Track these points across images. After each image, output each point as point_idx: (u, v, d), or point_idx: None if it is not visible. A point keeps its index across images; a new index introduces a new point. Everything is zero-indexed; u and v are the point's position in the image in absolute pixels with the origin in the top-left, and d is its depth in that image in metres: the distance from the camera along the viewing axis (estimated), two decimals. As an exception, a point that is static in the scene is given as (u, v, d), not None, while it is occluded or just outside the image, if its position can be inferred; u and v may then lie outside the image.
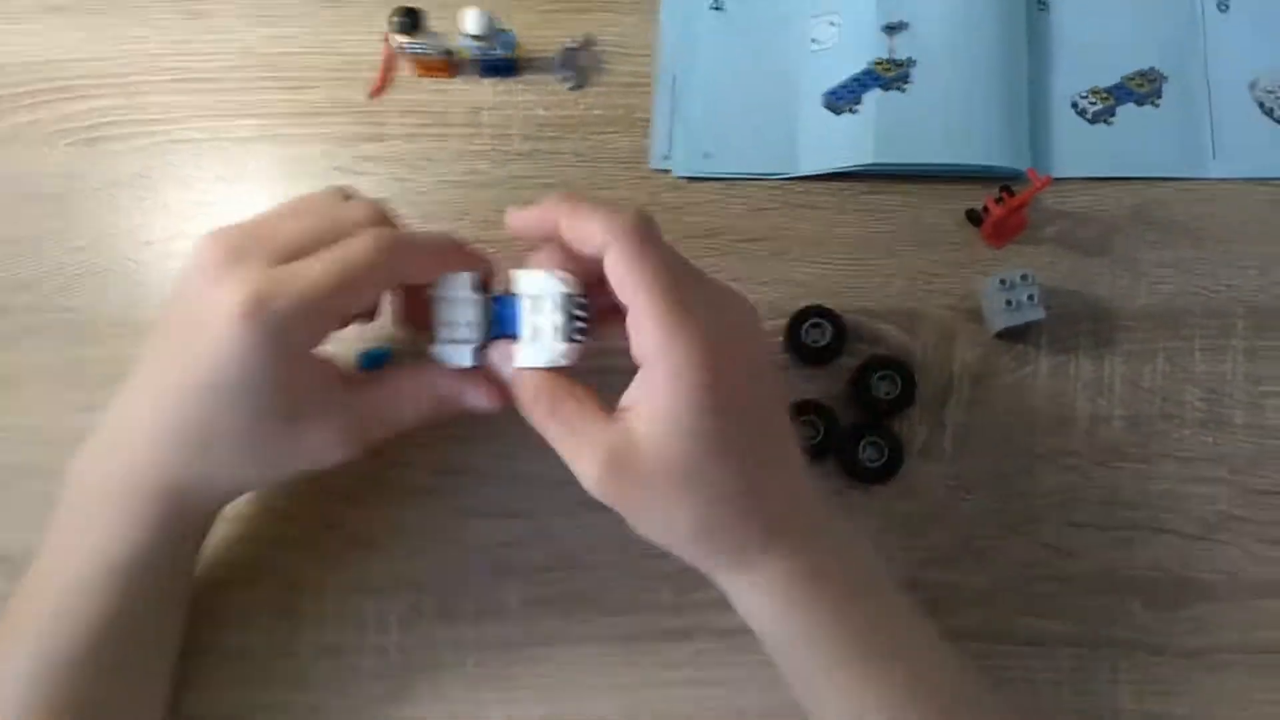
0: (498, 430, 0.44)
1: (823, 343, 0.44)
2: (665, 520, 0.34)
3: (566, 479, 0.43)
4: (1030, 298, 0.44)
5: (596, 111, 0.49)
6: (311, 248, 0.34)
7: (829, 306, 0.45)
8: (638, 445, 0.32)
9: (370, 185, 0.47)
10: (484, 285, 0.37)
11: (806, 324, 0.44)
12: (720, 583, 0.36)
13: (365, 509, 0.44)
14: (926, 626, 0.36)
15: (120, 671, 0.36)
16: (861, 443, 0.43)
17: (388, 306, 0.40)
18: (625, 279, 0.32)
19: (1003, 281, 0.44)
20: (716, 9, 0.50)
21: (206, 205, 0.48)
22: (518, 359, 0.35)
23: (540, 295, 0.35)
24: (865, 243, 0.47)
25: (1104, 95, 0.49)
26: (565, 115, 0.49)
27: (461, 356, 0.36)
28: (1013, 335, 0.46)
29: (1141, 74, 0.50)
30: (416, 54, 0.48)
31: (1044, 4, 0.51)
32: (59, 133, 0.48)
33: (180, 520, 0.37)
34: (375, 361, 0.43)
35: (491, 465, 0.44)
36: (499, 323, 0.36)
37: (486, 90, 0.49)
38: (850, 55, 0.48)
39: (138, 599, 0.36)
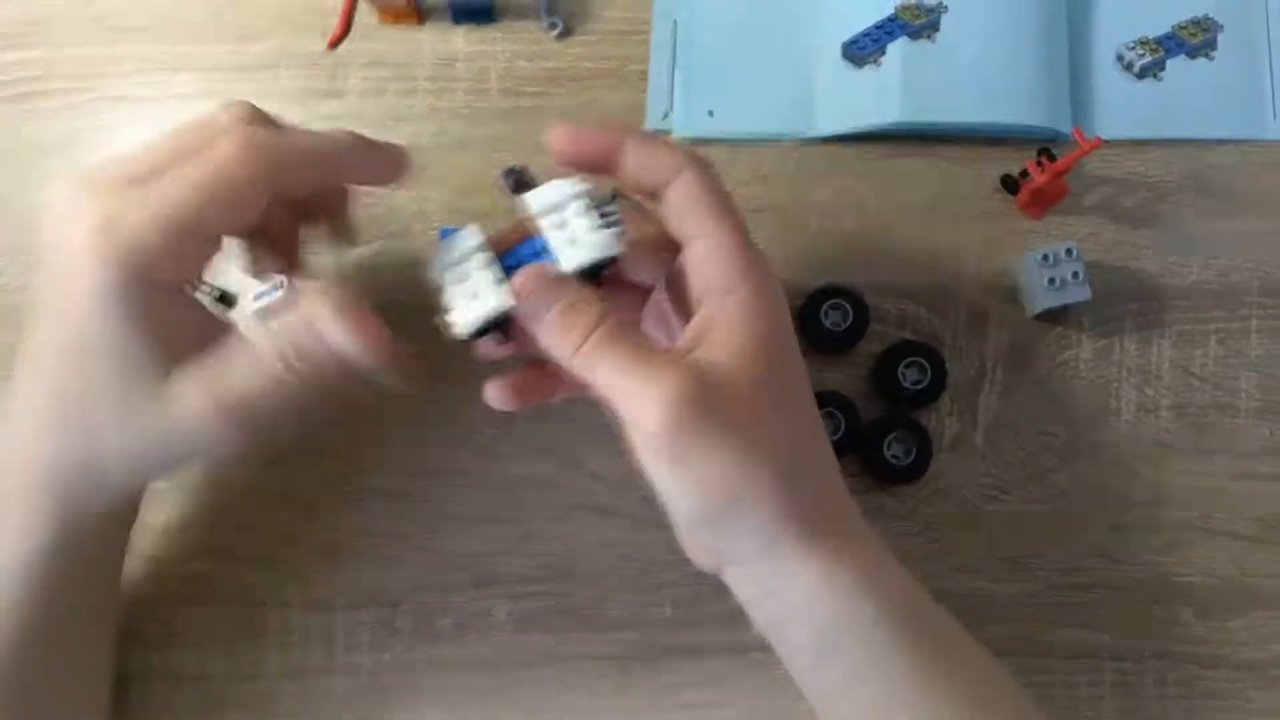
0: (478, 427, 0.40)
1: (843, 326, 0.40)
2: (752, 463, 0.29)
3: (555, 481, 0.40)
4: (1075, 275, 0.40)
5: (586, 63, 0.44)
6: (173, 164, 0.29)
7: (849, 285, 0.41)
8: (714, 377, 0.29)
9: (331, 148, 0.43)
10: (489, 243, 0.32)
11: (825, 305, 0.40)
12: (780, 561, 0.31)
13: (332, 516, 0.40)
14: (973, 640, 0.34)
15: (39, 696, 0.32)
16: (886, 438, 0.40)
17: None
18: (700, 205, 0.31)
19: (1045, 258, 0.40)
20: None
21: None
22: (566, 265, 0.30)
23: (559, 204, 0.31)
24: (889, 214, 0.43)
25: (1152, 46, 0.45)
26: (550, 67, 0.44)
27: (487, 304, 0.31)
28: (1052, 317, 0.42)
29: (1195, 22, 0.45)
30: (381, -3, 0.43)
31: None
32: (-23, 88, 0.43)
33: (75, 517, 0.31)
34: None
35: (473, 465, 0.40)
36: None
37: (459, 38, 0.44)
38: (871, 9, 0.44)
39: (40, 616, 0.32)
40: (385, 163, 0.33)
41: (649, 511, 0.40)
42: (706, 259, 0.30)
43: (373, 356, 0.30)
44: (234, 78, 0.44)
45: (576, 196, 0.31)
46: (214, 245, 0.31)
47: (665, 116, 0.44)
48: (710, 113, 0.44)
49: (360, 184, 0.34)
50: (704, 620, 0.40)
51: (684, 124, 0.44)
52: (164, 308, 0.29)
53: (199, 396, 0.29)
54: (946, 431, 0.41)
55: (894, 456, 0.40)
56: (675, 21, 0.45)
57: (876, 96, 0.43)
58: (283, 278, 0.31)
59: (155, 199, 0.28)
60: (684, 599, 0.40)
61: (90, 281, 0.28)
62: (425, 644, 0.39)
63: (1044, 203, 0.43)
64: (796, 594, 0.31)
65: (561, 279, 0.30)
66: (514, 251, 0.31)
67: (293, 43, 0.44)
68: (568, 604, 0.40)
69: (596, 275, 0.31)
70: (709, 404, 0.28)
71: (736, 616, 0.39)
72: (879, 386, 0.41)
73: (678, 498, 0.30)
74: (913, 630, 0.31)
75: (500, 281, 0.31)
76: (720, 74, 0.44)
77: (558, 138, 0.31)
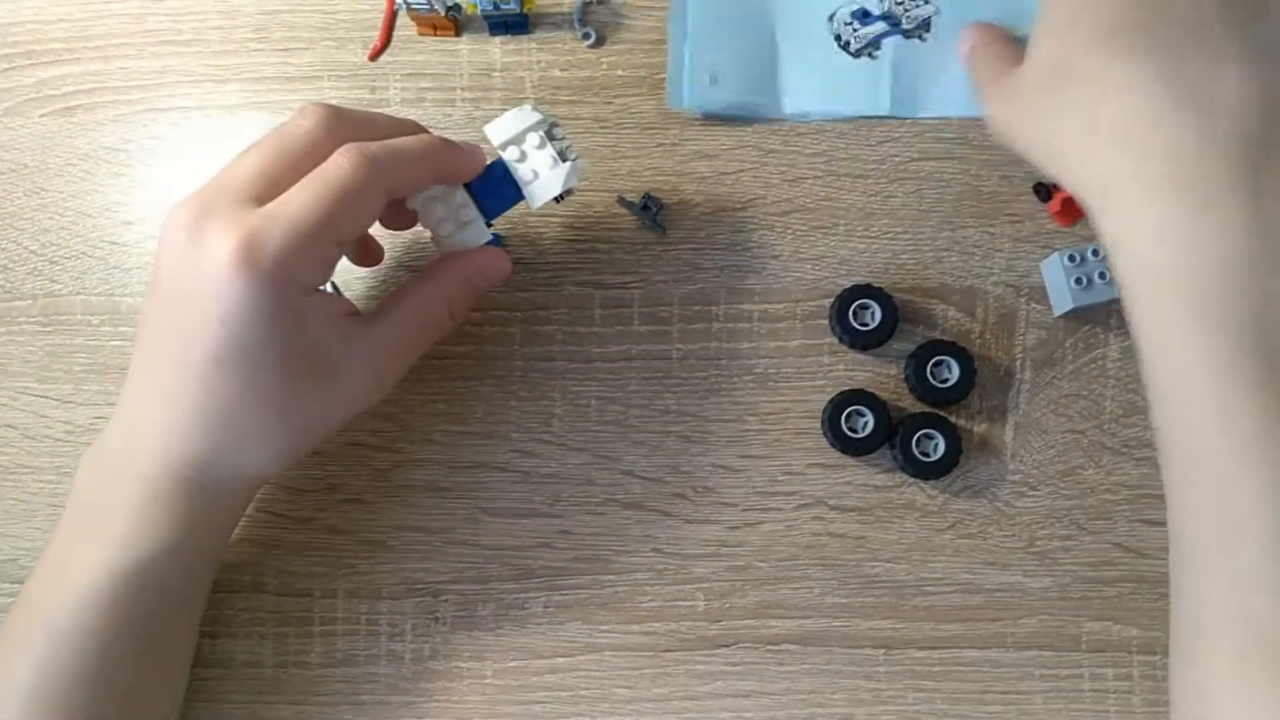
0: (517, 425, 0.45)
1: (872, 325, 0.44)
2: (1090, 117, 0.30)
3: (591, 476, 0.44)
4: (1102, 275, 0.43)
5: (618, 72, 0.48)
6: (286, 181, 0.34)
7: (879, 285, 0.44)
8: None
9: (372, 156, 0.47)
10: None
11: (854, 305, 0.44)
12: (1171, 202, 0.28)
13: (376, 511, 0.44)
14: None
15: (130, 688, 0.37)
16: (916, 435, 0.43)
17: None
18: None
19: (1072, 258, 0.44)
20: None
21: (191, 180, 0.47)
22: (534, 202, 0.39)
23: (517, 137, 0.39)
24: (918, 215, 0.47)
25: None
26: (584, 76, 0.48)
27: (479, 233, 0.40)
28: (1080, 316, 0.45)
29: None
30: (419, 11, 0.47)
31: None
32: (33, 101, 0.48)
33: (204, 511, 0.37)
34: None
35: (511, 462, 0.45)
36: (498, 193, 0.39)
37: (496, 49, 0.49)
38: None
39: (154, 608, 0.36)
40: (466, 160, 0.39)
41: (681, 506, 0.44)
42: None
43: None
44: (278, 88, 0.48)
45: (529, 129, 0.39)
46: (340, 251, 0.36)
47: (682, 99, 0.48)
48: (712, 79, 0.48)
49: (446, 182, 0.39)
50: (735, 612, 0.43)
51: (691, 94, 0.47)
52: (305, 307, 0.35)
53: (365, 368, 0.37)
54: (976, 428, 0.45)
55: (924, 453, 0.43)
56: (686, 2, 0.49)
57: (868, 87, 0.47)
58: (330, 281, 0.39)
59: (291, 218, 0.33)
60: (716, 592, 0.43)
61: (241, 301, 0.32)
62: (465, 633, 0.43)
63: (1075, 213, 0.46)
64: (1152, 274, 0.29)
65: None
66: (485, 173, 0.39)
67: (335, 55, 0.49)
68: (603, 596, 0.44)
69: (561, 199, 0.40)
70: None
71: (766, 609, 0.44)
72: (909, 384, 0.45)
73: (1060, 129, 0.33)
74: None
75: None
76: (723, 42, 0.48)
77: None
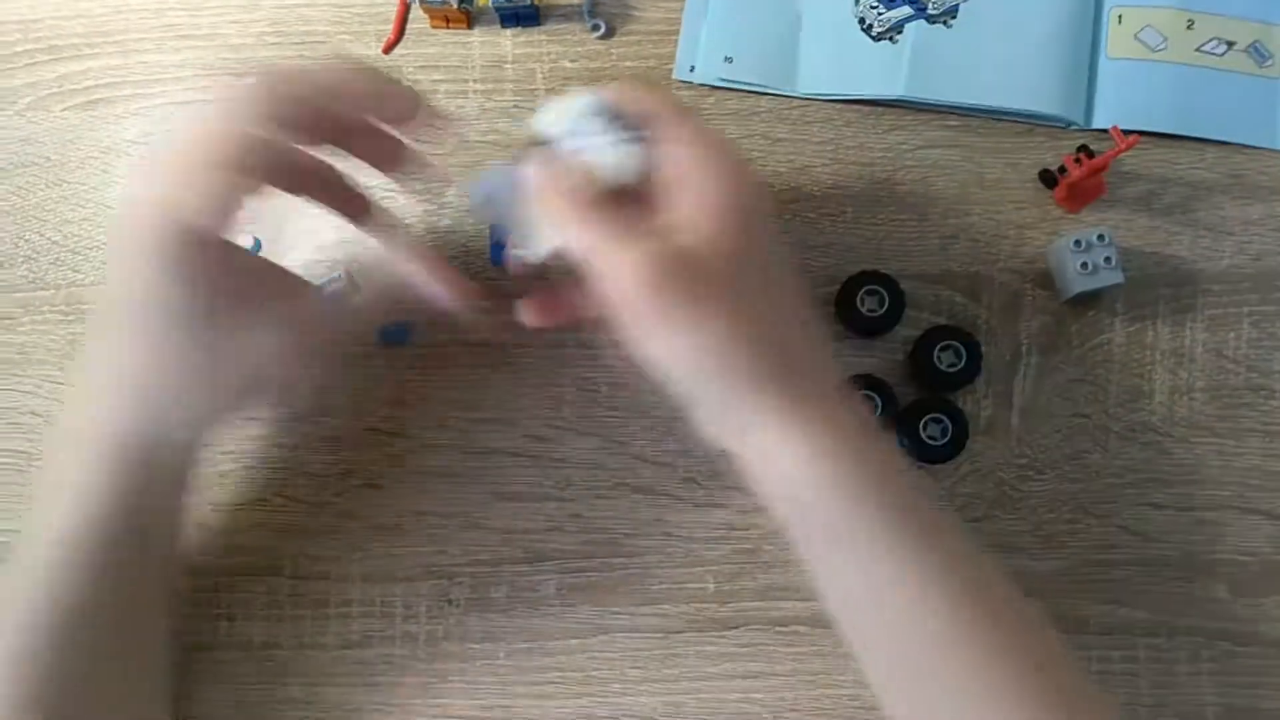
0: (529, 410, 0.46)
1: (879, 311, 0.45)
2: (707, 329, 0.33)
3: (601, 461, 0.46)
4: (1107, 260, 0.45)
5: (627, 62, 0.50)
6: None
7: (885, 272, 0.46)
8: (687, 247, 0.34)
9: (386, 147, 0.48)
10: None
11: (861, 291, 0.45)
12: (762, 428, 0.35)
13: (391, 495, 0.46)
14: (958, 519, 0.39)
15: (96, 662, 0.37)
16: (923, 420, 0.45)
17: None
18: (658, 108, 0.36)
19: (1077, 243, 0.45)
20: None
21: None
22: (610, 177, 0.36)
23: (574, 125, 0.36)
24: (924, 202, 0.48)
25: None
26: (594, 67, 0.50)
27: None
28: (1086, 301, 0.47)
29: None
30: (432, 4, 0.49)
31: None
32: (55, 95, 0.50)
33: (139, 478, 0.37)
34: (395, 336, 0.45)
35: (525, 446, 0.46)
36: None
37: (508, 41, 0.50)
38: None
39: (106, 576, 0.37)
40: (398, 102, 0.38)
41: (691, 490, 0.45)
42: (672, 149, 0.36)
43: (457, 301, 0.39)
44: (294, 81, 0.50)
45: (582, 113, 0.36)
46: (244, 186, 0.35)
47: (692, 69, 0.49)
48: (728, 59, 0.49)
49: (381, 120, 0.39)
50: (744, 594, 0.45)
51: (705, 72, 0.49)
52: (206, 256, 0.35)
53: (274, 331, 0.37)
54: (982, 413, 0.46)
55: (931, 437, 0.45)
56: None
57: (885, 68, 0.48)
58: (344, 269, 0.41)
59: (169, 152, 0.34)
60: (725, 574, 0.45)
61: (133, 236, 0.34)
62: (478, 615, 0.45)
63: (1081, 198, 0.48)
64: (780, 469, 0.35)
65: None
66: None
67: (350, 48, 0.50)
68: (613, 578, 0.45)
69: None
70: (675, 269, 0.33)
71: (775, 591, 0.45)
72: (915, 370, 0.46)
73: (655, 361, 0.34)
74: (889, 499, 0.35)
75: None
76: (740, 22, 0.50)
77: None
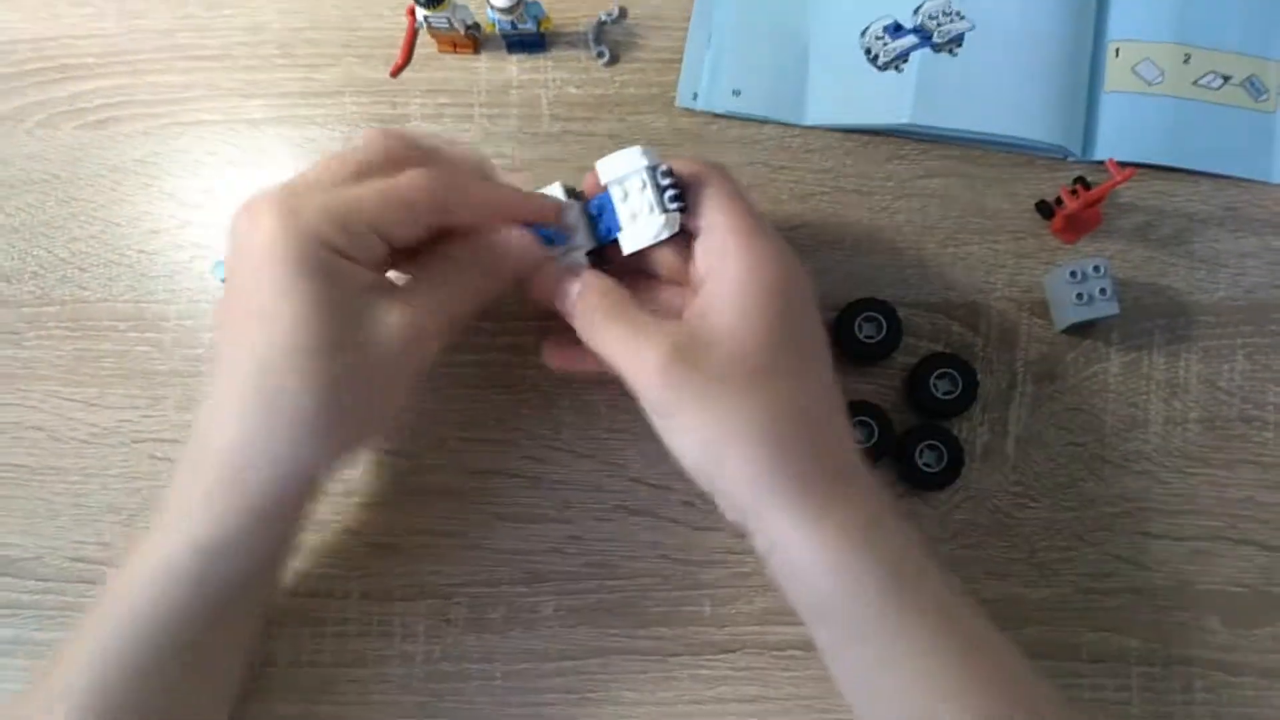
0: (528, 432, 0.47)
1: (877, 338, 0.47)
2: (735, 423, 0.35)
3: (602, 484, 0.47)
4: (1103, 291, 0.46)
5: (631, 89, 0.52)
6: (357, 180, 0.36)
7: (883, 299, 0.47)
8: (713, 335, 0.36)
9: (392, 169, 0.50)
10: (575, 193, 0.41)
11: (859, 318, 0.47)
12: (772, 522, 0.36)
13: (390, 513, 0.47)
14: (972, 602, 0.38)
15: (179, 683, 0.38)
16: (919, 446, 0.46)
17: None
18: (709, 189, 0.38)
19: (1073, 274, 0.46)
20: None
21: (216, 192, 0.51)
22: (626, 246, 0.39)
23: (626, 176, 0.39)
24: (923, 231, 0.49)
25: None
26: (598, 94, 0.51)
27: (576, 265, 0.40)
28: (1081, 331, 0.48)
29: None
30: (440, 29, 0.50)
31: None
32: (66, 114, 0.52)
33: (254, 502, 0.36)
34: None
35: (524, 468, 0.47)
36: (599, 222, 0.40)
37: (513, 67, 0.52)
38: (901, 1, 0.51)
39: (201, 601, 0.37)
40: (535, 214, 0.40)
41: (689, 514, 0.47)
42: (708, 238, 0.38)
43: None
44: (301, 104, 0.52)
45: (639, 173, 0.39)
46: (382, 247, 0.36)
47: (695, 97, 0.51)
48: (736, 92, 0.51)
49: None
50: (741, 618, 0.46)
51: (710, 102, 0.51)
52: (342, 279, 0.35)
53: (397, 313, 0.36)
54: (978, 440, 0.47)
55: (926, 464, 0.46)
56: (712, 6, 0.52)
57: (891, 97, 0.50)
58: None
59: (331, 195, 0.35)
60: (722, 598, 0.46)
61: (276, 270, 0.34)
62: (476, 635, 0.46)
63: (1078, 230, 0.49)
64: (790, 555, 0.36)
65: (574, 266, 0.39)
66: (592, 202, 0.40)
67: (358, 71, 0.52)
68: (611, 601, 0.46)
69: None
70: (695, 363, 0.35)
71: (772, 615, 0.46)
72: (912, 397, 0.47)
73: (675, 451, 0.36)
74: (906, 595, 0.35)
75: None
76: (748, 57, 0.51)
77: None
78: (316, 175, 0.37)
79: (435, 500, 0.47)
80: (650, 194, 0.38)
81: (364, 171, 0.37)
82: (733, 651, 0.46)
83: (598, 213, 0.40)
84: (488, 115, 0.51)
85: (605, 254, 0.41)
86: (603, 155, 0.40)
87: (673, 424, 0.36)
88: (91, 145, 0.51)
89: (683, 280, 0.40)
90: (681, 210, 0.38)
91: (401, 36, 0.52)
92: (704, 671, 0.45)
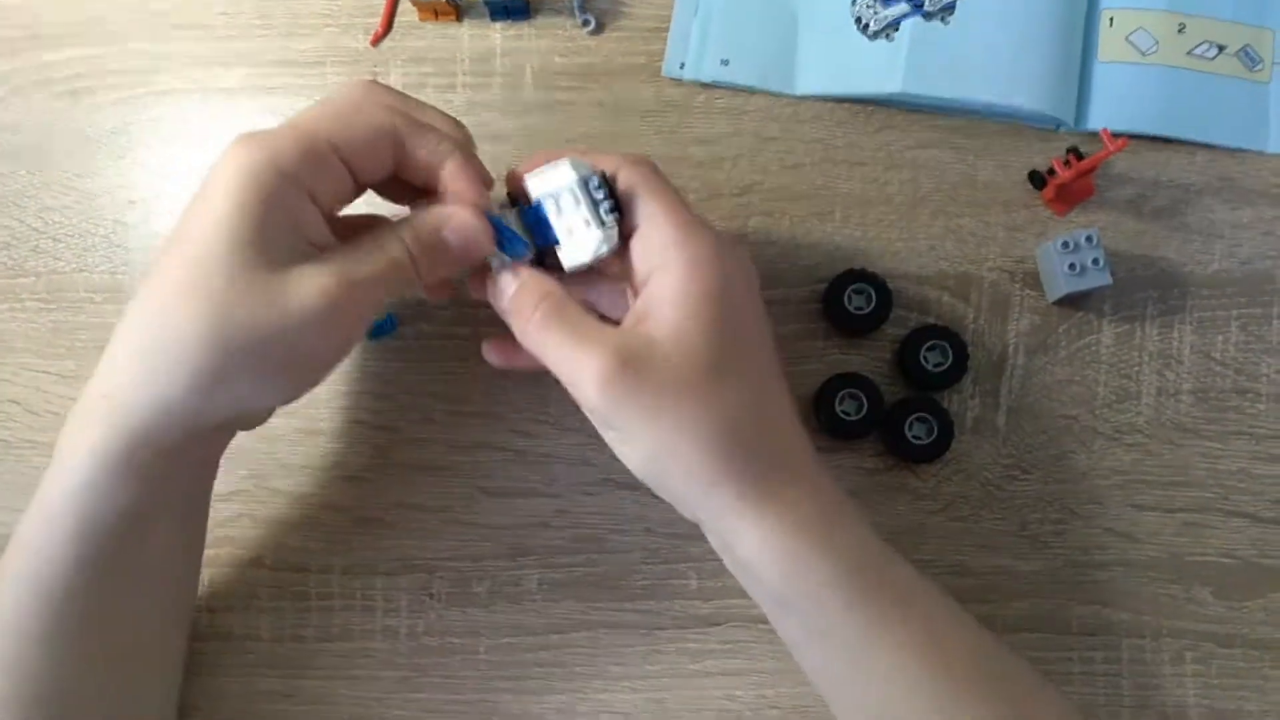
0: (515, 405, 0.48)
1: (866, 310, 0.47)
2: (676, 432, 0.35)
3: (588, 457, 0.47)
4: (1095, 261, 0.47)
5: (618, 58, 0.52)
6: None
7: (874, 271, 0.48)
8: (653, 343, 0.36)
9: (373, 139, 0.50)
10: (513, 199, 0.41)
11: (848, 290, 0.47)
12: (721, 523, 0.37)
13: (374, 488, 0.48)
14: (935, 586, 0.39)
15: (97, 655, 0.38)
16: (908, 419, 0.46)
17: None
18: (639, 190, 0.38)
19: (1065, 244, 0.47)
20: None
21: (192, 162, 0.51)
22: (566, 263, 0.39)
23: (557, 191, 0.38)
24: (914, 202, 0.50)
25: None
26: (583, 62, 0.52)
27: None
28: (1073, 302, 0.49)
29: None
30: (422, -4, 0.50)
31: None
32: (38, 83, 0.52)
33: (119, 451, 0.35)
34: (382, 328, 0.46)
35: (510, 441, 0.48)
36: (537, 233, 0.39)
37: (496, 35, 0.52)
38: None
39: (107, 571, 0.37)
40: (472, 173, 0.39)
41: (676, 487, 0.47)
42: (645, 237, 0.38)
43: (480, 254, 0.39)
44: (281, 73, 0.52)
45: (569, 188, 0.38)
46: (343, 174, 0.37)
47: (682, 66, 0.51)
48: (724, 61, 0.51)
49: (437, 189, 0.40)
50: (726, 592, 0.46)
51: (698, 71, 0.51)
52: (293, 202, 0.35)
53: (320, 275, 0.35)
54: (969, 413, 0.48)
55: (916, 436, 0.47)
56: None
57: (882, 66, 0.50)
58: None
59: (297, 123, 0.36)
60: (708, 571, 0.47)
61: (228, 176, 0.34)
62: (460, 609, 0.47)
63: (1069, 200, 0.50)
64: (745, 552, 0.37)
65: (513, 263, 0.39)
66: (526, 211, 0.39)
67: (337, 40, 0.52)
68: (597, 574, 0.47)
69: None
70: (638, 372, 0.35)
71: (760, 588, 0.46)
72: (901, 369, 0.48)
73: (621, 459, 0.37)
74: (862, 587, 0.36)
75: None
76: (737, 26, 0.52)
77: (516, 171, 0.41)
78: (299, 115, 0.37)
79: (419, 474, 0.48)
80: (585, 209, 0.38)
81: (344, 112, 0.37)
82: (719, 625, 0.46)
83: (534, 221, 0.39)
84: (470, 85, 0.51)
85: (543, 255, 0.40)
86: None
87: (615, 435, 0.37)
88: (64, 115, 0.52)
89: (623, 279, 0.40)
90: (618, 219, 0.38)
91: (382, 4, 0.52)
92: (690, 645, 0.46)
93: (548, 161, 0.39)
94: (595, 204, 0.38)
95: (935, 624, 0.37)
